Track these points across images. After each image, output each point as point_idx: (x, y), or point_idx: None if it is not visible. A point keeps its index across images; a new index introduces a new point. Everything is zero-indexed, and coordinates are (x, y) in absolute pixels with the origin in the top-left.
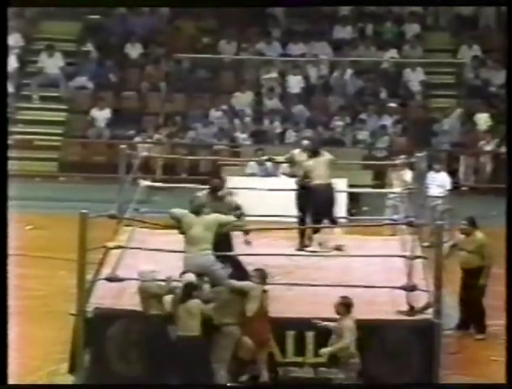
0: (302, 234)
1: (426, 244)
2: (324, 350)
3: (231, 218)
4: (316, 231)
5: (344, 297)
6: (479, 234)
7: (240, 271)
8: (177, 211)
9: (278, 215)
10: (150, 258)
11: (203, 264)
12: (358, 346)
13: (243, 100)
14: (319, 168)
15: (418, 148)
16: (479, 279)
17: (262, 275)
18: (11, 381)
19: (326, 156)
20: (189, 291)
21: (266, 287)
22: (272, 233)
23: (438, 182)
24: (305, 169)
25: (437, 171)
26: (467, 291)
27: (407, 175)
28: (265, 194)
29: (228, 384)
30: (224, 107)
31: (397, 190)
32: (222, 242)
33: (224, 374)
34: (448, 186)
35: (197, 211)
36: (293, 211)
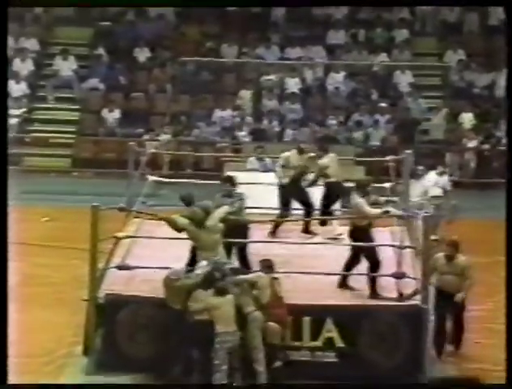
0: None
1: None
2: None
3: (225, 208)
4: (324, 223)
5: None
6: (462, 257)
7: (245, 262)
8: (183, 222)
9: (276, 208)
10: (157, 247)
11: (217, 267)
12: (351, 331)
13: (246, 97)
14: (332, 166)
15: (406, 146)
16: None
17: (268, 265)
18: (28, 361)
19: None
20: (210, 281)
21: (277, 275)
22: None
23: (441, 184)
24: (320, 167)
25: (440, 174)
26: (449, 311)
27: (430, 185)
28: (264, 188)
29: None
30: (231, 111)
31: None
32: (237, 233)
33: (262, 358)
34: (448, 188)
35: (199, 224)
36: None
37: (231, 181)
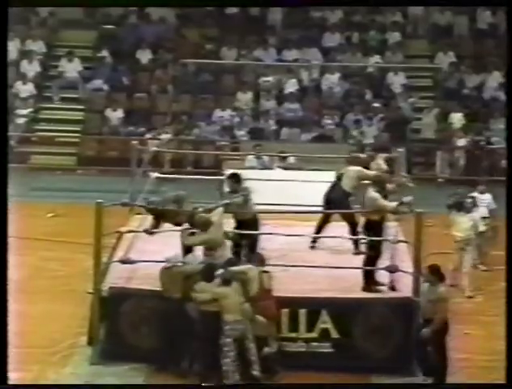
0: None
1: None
2: None
3: (225, 202)
4: None
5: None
6: (442, 287)
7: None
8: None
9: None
10: (159, 242)
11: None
12: (345, 322)
13: (244, 99)
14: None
15: (397, 144)
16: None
17: (259, 259)
18: (35, 351)
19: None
20: (210, 272)
21: (268, 268)
22: (272, 220)
23: (485, 203)
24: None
25: (482, 192)
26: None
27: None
28: (262, 184)
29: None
30: (230, 111)
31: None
32: (248, 225)
33: (253, 346)
34: (493, 206)
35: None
36: (288, 199)
37: (236, 177)
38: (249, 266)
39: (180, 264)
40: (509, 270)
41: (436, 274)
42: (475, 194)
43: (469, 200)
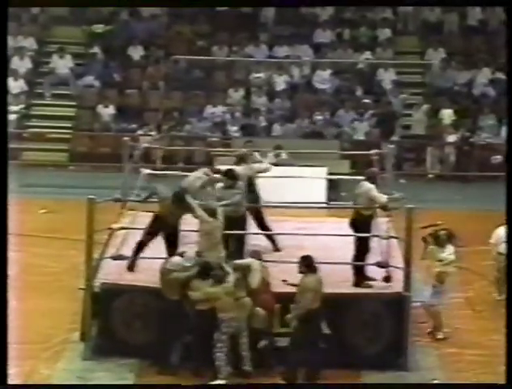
0: None
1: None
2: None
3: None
4: None
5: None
6: (309, 277)
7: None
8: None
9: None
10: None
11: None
12: (336, 317)
13: (235, 95)
14: None
15: (387, 139)
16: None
17: (258, 256)
18: (28, 347)
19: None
20: (206, 271)
21: (265, 264)
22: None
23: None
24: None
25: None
26: None
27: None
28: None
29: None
30: (221, 107)
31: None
32: (236, 224)
33: (246, 341)
34: None
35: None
36: (279, 195)
37: (231, 174)
38: (252, 259)
39: (178, 270)
40: (509, 268)
41: (306, 265)
42: (501, 228)
43: (443, 232)
